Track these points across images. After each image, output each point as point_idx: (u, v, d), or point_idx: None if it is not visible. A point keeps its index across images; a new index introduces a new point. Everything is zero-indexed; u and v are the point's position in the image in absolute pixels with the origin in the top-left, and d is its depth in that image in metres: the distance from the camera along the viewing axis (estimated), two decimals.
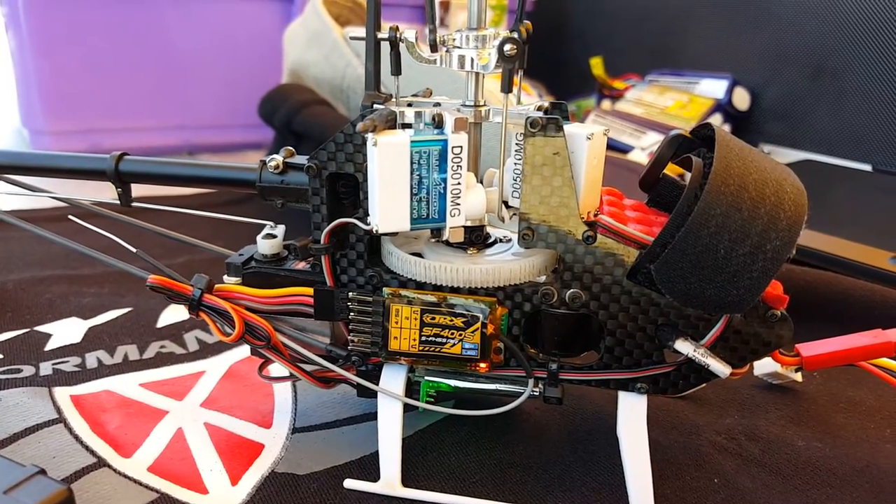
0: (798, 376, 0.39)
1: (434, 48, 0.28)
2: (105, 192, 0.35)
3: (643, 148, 0.89)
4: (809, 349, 0.33)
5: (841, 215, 0.65)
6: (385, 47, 0.29)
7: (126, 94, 0.91)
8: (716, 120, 0.93)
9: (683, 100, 0.97)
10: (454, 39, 0.28)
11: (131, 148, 0.34)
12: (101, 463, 0.30)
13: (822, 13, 0.87)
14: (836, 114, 0.88)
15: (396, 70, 0.29)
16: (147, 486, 0.29)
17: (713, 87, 0.96)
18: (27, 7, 0.82)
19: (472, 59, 0.28)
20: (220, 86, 0.97)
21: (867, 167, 0.84)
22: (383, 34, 0.28)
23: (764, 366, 0.39)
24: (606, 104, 1.05)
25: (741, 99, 0.95)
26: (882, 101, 0.83)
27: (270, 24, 0.97)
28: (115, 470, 0.30)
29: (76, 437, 0.32)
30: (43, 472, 0.25)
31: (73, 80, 0.87)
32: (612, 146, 0.91)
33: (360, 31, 0.29)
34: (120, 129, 0.92)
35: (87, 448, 0.31)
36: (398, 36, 0.28)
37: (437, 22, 0.28)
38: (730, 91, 0.94)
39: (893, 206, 0.71)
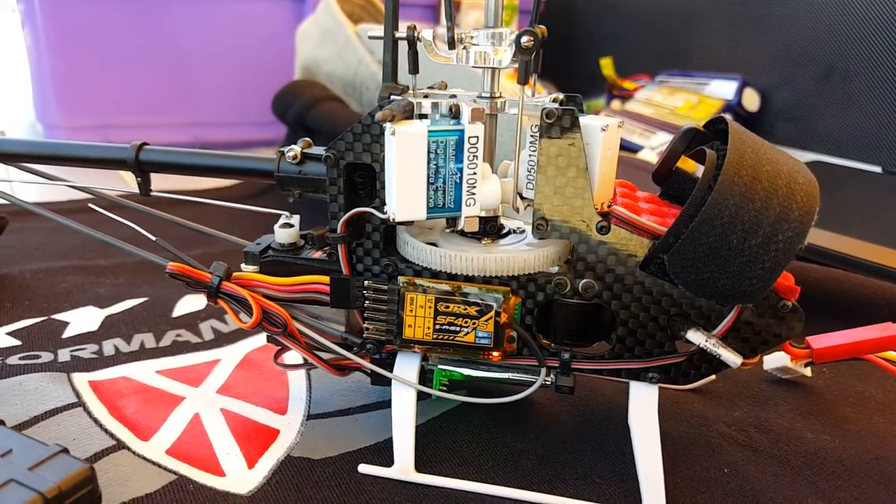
0: (807, 371, 0.40)
1: (452, 45, 0.29)
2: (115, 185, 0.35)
3: (653, 148, 0.89)
4: (819, 341, 0.33)
5: (850, 216, 0.65)
6: (402, 45, 0.29)
7: (139, 91, 0.92)
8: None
9: (693, 100, 0.97)
10: (472, 37, 0.29)
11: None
12: (120, 445, 0.31)
13: (832, 15, 0.88)
14: (846, 115, 0.88)
15: (414, 69, 0.30)
16: (165, 468, 0.30)
17: (723, 88, 0.96)
18: (43, 5, 0.83)
19: (489, 55, 0.28)
20: (232, 83, 0.98)
21: (877, 169, 0.84)
22: (401, 33, 0.29)
23: (773, 360, 0.39)
24: (616, 104, 1.05)
25: (751, 100, 0.95)
26: (892, 103, 0.83)
27: (282, 22, 0.98)
28: (133, 452, 0.31)
29: (95, 421, 0.32)
30: (66, 450, 0.26)
31: (87, 76, 0.88)
32: (622, 146, 0.91)
33: (375, 30, 0.30)
34: (132, 126, 0.93)
35: (106, 431, 0.32)
36: (416, 35, 0.29)
37: (454, 20, 0.29)
38: (739, 92, 0.94)
39: None
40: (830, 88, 0.89)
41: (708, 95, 0.97)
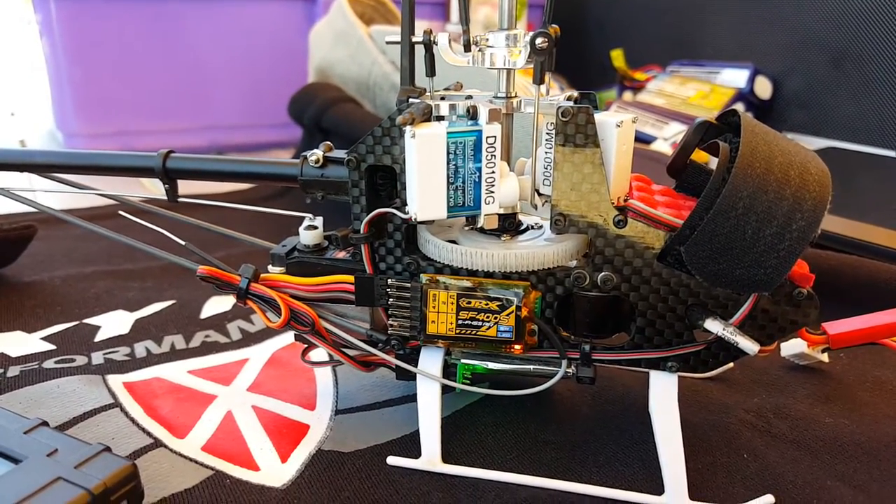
0: (824, 357, 0.40)
1: (467, 48, 0.30)
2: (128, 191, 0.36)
3: (666, 138, 0.89)
4: (835, 327, 0.34)
5: (865, 201, 0.65)
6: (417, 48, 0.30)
7: (155, 97, 0.94)
8: (738, 109, 0.93)
9: (705, 90, 0.97)
10: (486, 39, 0.29)
11: (161, 148, 0.36)
12: (157, 443, 0.32)
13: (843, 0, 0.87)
14: (859, 100, 0.87)
15: (431, 72, 0.31)
16: (202, 464, 0.31)
17: (735, 77, 0.96)
18: (60, 15, 0.85)
19: (504, 57, 0.29)
20: (246, 87, 0.99)
21: (892, 153, 0.84)
22: (417, 38, 0.30)
23: (791, 347, 0.40)
24: (628, 95, 1.05)
25: (763, 88, 0.95)
26: None
27: (293, 25, 0.99)
28: (171, 450, 0.32)
29: (132, 420, 0.34)
30: (108, 449, 0.27)
31: (104, 84, 0.90)
32: (635, 137, 0.91)
33: (387, 31, 0.30)
34: (150, 131, 0.95)
35: (143, 430, 0.33)
36: (432, 39, 0.30)
37: (469, 23, 0.29)
38: (751, 80, 0.94)
39: None
40: (843, 74, 0.89)
41: (720, 84, 0.97)
